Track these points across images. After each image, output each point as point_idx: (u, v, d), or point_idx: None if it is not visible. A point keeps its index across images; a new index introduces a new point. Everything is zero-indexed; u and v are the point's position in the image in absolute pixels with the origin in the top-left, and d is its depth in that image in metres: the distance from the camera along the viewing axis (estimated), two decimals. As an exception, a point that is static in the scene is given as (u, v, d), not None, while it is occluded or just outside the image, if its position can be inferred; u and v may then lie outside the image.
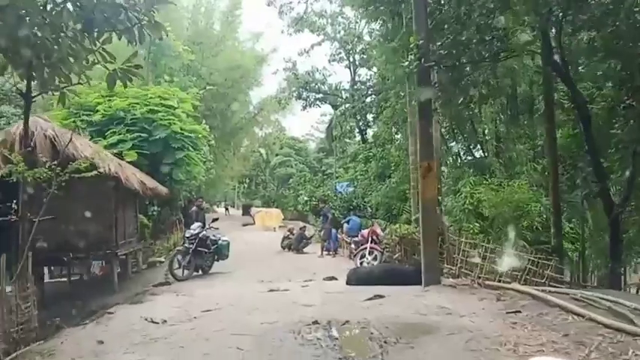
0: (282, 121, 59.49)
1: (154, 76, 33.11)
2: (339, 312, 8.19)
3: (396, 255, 14.36)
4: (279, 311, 8.56)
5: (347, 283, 11.58)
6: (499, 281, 10.55)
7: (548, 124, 10.60)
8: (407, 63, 9.46)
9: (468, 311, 7.87)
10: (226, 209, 60.77)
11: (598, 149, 10.82)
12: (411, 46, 9.70)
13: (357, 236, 19.18)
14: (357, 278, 11.56)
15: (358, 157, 27.44)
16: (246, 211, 49.44)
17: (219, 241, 15.35)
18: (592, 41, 9.65)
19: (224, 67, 38.99)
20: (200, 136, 22.59)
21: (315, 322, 7.29)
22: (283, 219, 39.97)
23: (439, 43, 9.87)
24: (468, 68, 10.33)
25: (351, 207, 25.08)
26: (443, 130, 19.81)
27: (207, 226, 15.63)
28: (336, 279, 12.80)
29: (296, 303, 9.32)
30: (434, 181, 10.31)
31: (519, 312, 7.56)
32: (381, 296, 9.54)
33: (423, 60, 9.52)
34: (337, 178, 33.83)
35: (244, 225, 39.36)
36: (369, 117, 30.75)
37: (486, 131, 19.03)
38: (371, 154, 24.70)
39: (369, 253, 14.67)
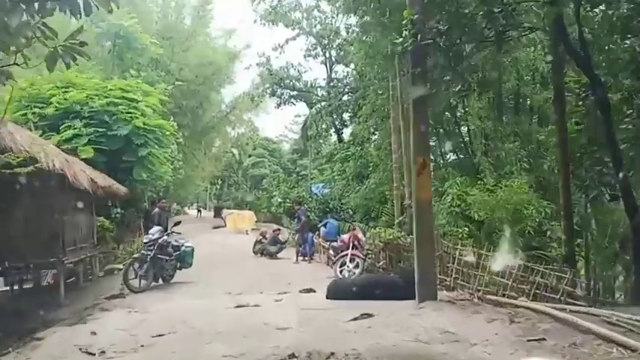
0: (256, 121, 57.81)
1: (120, 70, 30.96)
2: (320, 339, 6.60)
3: (380, 263, 12.85)
4: (248, 337, 6.93)
5: (327, 297, 9.98)
6: (503, 295, 9.09)
7: (558, 115, 9.18)
8: (400, 40, 7.90)
9: (479, 338, 6.36)
10: (198, 211, 58.62)
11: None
12: (405, 21, 8.16)
13: (335, 241, 17.65)
14: (338, 291, 9.98)
15: (335, 157, 25.92)
16: (217, 213, 47.49)
17: (182, 247, 13.61)
18: (610, 19, 8.28)
19: (195, 63, 37.10)
20: (167, 132, 20.74)
21: (293, 357, 5.68)
22: (256, 221, 38.25)
23: (437, 19, 8.35)
24: (468, 49, 8.86)
25: (328, 209, 23.55)
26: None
27: (169, 230, 13.87)
28: (314, 291, 11.19)
29: (268, 325, 7.69)
30: (429, 179, 8.80)
31: (544, 339, 6.07)
32: (369, 315, 7.98)
33: (419, 37, 7.99)
34: (312, 179, 32.25)
35: (215, 227, 37.46)
36: (346, 116, 29.28)
37: (471, 129, 17.66)
38: (349, 153, 23.18)
39: (351, 261, 13.11)
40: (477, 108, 16.78)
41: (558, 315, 6.73)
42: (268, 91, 30.58)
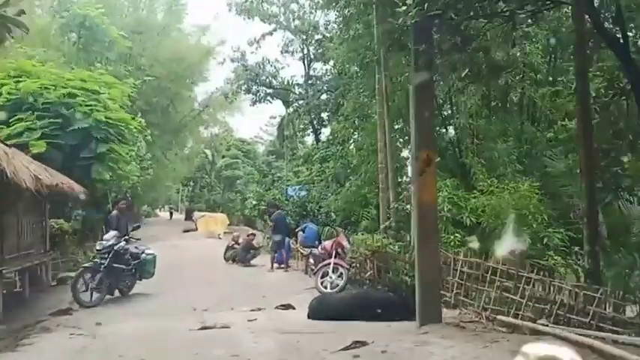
0: (230, 122, 55.99)
1: (86, 64, 28.93)
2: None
3: (368, 274, 11.33)
4: (211, 378, 5.35)
5: (310, 317, 8.43)
6: (517, 316, 7.65)
7: (581, 104, 7.79)
8: (404, 8, 6.41)
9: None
10: (170, 213, 56.48)
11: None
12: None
13: (314, 247, 16.11)
14: (323, 310, 8.44)
15: (313, 158, 24.33)
16: (188, 215, 45.50)
17: (143, 255, 11.89)
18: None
19: (166, 58, 35.21)
20: (131, 128, 18.92)
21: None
22: (229, 224, 36.51)
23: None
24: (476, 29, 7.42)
25: (305, 212, 22.01)
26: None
27: (128, 235, 12.16)
28: (292, 307, 9.64)
29: (238, 358, 6.10)
30: (434, 178, 7.35)
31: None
32: (362, 343, 6.46)
33: (426, 6, 6.53)
34: (288, 181, 30.66)
35: (186, 231, 35.59)
36: (324, 115, 27.76)
37: (460, 127, 16.27)
38: (329, 153, 21.64)
39: (334, 271, 11.56)
40: (470, 105, 15.42)
41: (604, 349, 5.29)
42: (243, 88, 28.86)
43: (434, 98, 7.42)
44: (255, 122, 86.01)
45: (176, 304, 10.69)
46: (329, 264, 11.73)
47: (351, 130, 19.63)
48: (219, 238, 31.06)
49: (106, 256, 10.97)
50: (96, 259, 11.13)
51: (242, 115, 44.04)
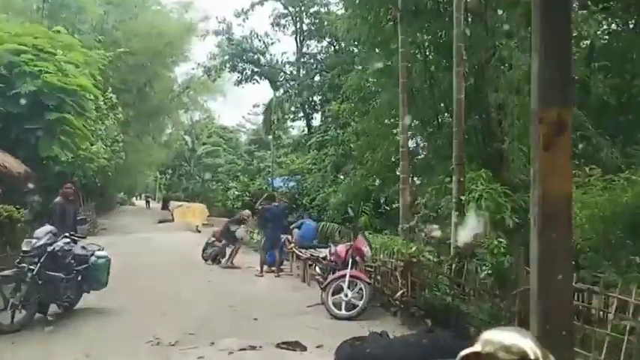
0: (212, 108, 52.59)
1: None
2: None
3: (399, 293, 8.17)
4: None
5: (336, 373, 5.29)
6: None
7: None
8: None
9: None
10: (147, 202, 52.74)
11: None
12: None
13: (312, 247, 13.05)
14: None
15: (308, 144, 21.01)
16: (165, 205, 41.95)
17: (92, 259, 8.57)
18: None
19: (145, 33, 31.59)
20: (94, 98, 15.50)
21: None
22: (208, 216, 33.25)
23: None
24: None
25: (294, 206, 18.91)
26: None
27: (75, 230, 8.88)
28: (301, 347, 6.46)
29: None
30: (567, 155, 4.22)
31: None
32: None
33: None
34: (275, 171, 27.44)
35: (161, 222, 32.10)
36: (317, 99, 24.49)
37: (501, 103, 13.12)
38: (327, 137, 18.41)
39: (350, 286, 8.43)
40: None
41: None
42: (228, 65, 25.41)
43: (570, 19, 4.27)
44: (237, 111, 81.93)
45: (132, 330, 7.44)
46: (343, 277, 8.59)
47: (354, 112, 16.45)
48: (198, 231, 27.78)
49: (36, 260, 7.66)
50: (23, 264, 7.79)
51: (224, 98, 40.72)
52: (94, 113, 17.42)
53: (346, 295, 8.43)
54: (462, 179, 9.32)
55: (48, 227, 8.28)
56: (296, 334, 7.00)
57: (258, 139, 55.00)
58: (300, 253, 12.74)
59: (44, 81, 12.76)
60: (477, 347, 1.08)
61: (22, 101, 12.55)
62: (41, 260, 7.69)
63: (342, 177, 16.60)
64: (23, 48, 13.29)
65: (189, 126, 48.43)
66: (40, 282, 7.67)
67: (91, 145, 18.73)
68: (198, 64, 26.62)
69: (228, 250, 14.79)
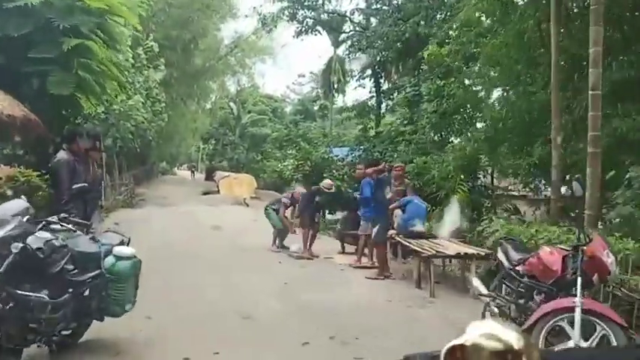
0: (258, 74, 48.52)
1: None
2: None
3: None
4: None
5: None
6: None
7: None
8: None
9: None
10: (192, 172, 49.44)
11: None
12: None
13: (422, 235, 8.94)
14: None
15: (396, 100, 16.44)
16: (209, 175, 38.35)
17: (107, 262, 4.60)
18: None
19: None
20: (126, 28, 11.41)
21: None
22: (256, 188, 29.53)
23: None
24: None
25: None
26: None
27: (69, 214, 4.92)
28: None
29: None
30: None
31: None
32: None
33: None
34: (333, 139, 23.25)
35: (205, 193, 28.42)
36: (390, 54, 19.97)
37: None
38: (424, 90, 13.84)
39: (584, 330, 4.23)
40: None
41: None
42: (286, 13, 21.07)
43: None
44: (282, 80, 76.72)
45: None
46: (567, 310, 4.38)
47: (464, 55, 12.05)
48: (246, 205, 24.04)
49: (-5, 267, 3.74)
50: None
51: (273, 61, 36.27)
52: (129, 55, 13.48)
53: (577, 347, 4.25)
54: None
55: (18, 203, 4.30)
56: None
57: (304, 109, 50.92)
58: (408, 243, 8.61)
59: (57, -9, 8.77)
60: (461, 339, 0.88)
61: (24, 19, 8.58)
62: (5, 266, 3.76)
63: (452, 141, 12.27)
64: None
65: (234, 93, 44.50)
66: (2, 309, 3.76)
67: (128, 98, 14.87)
68: (254, 8, 22.35)
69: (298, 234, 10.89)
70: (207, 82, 34.40)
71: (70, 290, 4.22)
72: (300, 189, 12.84)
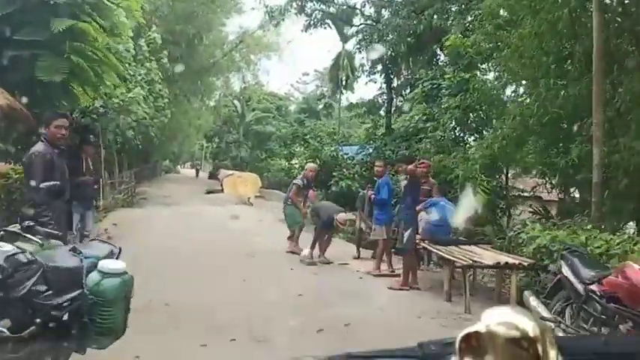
0: (263, 72, 47.58)
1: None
2: None
3: None
4: None
5: None
6: None
7: None
8: None
9: None
10: (196, 170, 48.50)
11: None
12: None
13: (454, 244, 7.97)
14: None
15: (410, 95, 15.36)
16: (213, 174, 37.40)
17: (90, 279, 3.63)
18: None
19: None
20: (123, 19, 10.40)
21: None
22: (261, 187, 28.61)
23: None
24: None
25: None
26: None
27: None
28: None
29: None
30: None
31: None
32: None
33: None
34: (341, 139, 22.29)
35: (208, 192, 27.46)
36: (402, 49, 18.96)
37: None
38: (444, 84, 12.79)
39: None
40: None
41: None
42: (295, 5, 20.04)
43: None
44: (287, 79, 75.06)
45: None
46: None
47: (489, 45, 11.06)
48: (250, 204, 23.14)
49: None
50: None
51: (279, 57, 35.30)
52: (130, 46, 12.52)
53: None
54: None
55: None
56: None
57: (308, 107, 49.97)
58: (440, 253, 7.63)
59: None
60: (477, 327, 0.88)
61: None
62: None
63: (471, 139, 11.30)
64: None
65: (238, 91, 43.51)
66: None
67: (128, 91, 13.91)
68: (261, 0, 21.39)
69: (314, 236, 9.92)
70: (211, 79, 33.40)
71: (39, 319, 3.25)
72: (312, 165, 11.75)
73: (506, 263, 6.68)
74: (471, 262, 6.77)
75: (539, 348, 0.83)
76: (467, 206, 8.00)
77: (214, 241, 10.77)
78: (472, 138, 12.33)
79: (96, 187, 8.92)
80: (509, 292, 7.32)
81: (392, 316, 6.61)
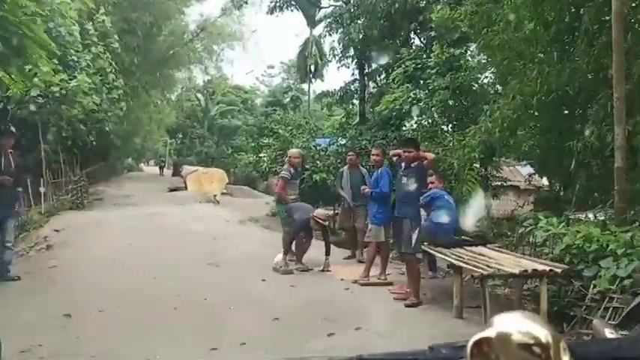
0: (224, 64, 45.48)
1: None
2: None
3: None
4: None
5: None
6: None
7: None
8: None
9: None
10: (160, 167, 45.91)
11: None
12: None
13: (459, 246, 6.50)
14: None
15: (393, 78, 13.69)
16: (176, 170, 35.26)
17: None
18: None
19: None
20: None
21: None
22: (227, 183, 26.89)
23: None
24: None
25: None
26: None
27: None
28: None
29: None
30: None
31: None
32: None
33: None
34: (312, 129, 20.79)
35: (172, 190, 25.46)
36: (375, 33, 17.45)
37: None
38: (430, 63, 11.31)
39: None
40: None
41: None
42: (259, -17, 18.29)
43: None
44: (250, 74, 72.78)
45: None
46: None
47: (482, 19, 9.66)
48: (217, 202, 21.39)
49: None
50: None
51: (243, 47, 33.34)
52: (74, 29, 10.67)
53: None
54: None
55: None
56: None
57: (275, 100, 48.19)
58: (447, 258, 6.18)
59: None
60: (488, 332, 0.87)
61: None
62: None
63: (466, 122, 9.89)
64: None
65: (202, 84, 41.40)
66: None
67: (70, 78, 12.01)
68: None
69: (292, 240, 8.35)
70: (171, 71, 31.28)
71: None
72: (295, 151, 10.06)
73: (535, 270, 5.25)
74: (492, 269, 5.31)
75: (552, 354, 0.80)
76: (478, 203, 6.60)
77: (172, 249, 9.09)
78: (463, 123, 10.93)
79: (19, 189, 7.18)
80: (525, 302, 5.97)
81: (395, 343, 5.11)
